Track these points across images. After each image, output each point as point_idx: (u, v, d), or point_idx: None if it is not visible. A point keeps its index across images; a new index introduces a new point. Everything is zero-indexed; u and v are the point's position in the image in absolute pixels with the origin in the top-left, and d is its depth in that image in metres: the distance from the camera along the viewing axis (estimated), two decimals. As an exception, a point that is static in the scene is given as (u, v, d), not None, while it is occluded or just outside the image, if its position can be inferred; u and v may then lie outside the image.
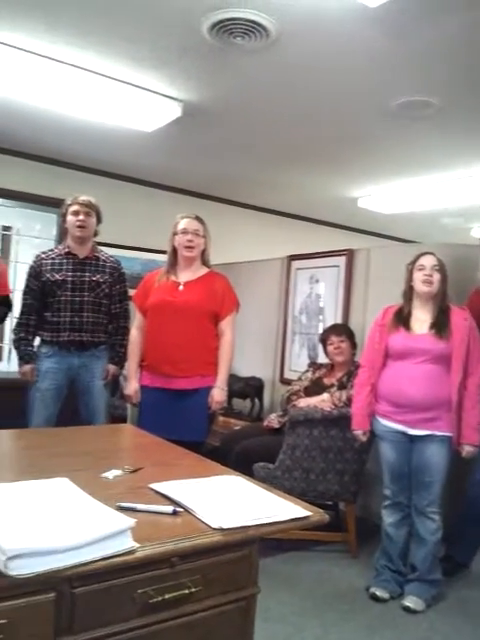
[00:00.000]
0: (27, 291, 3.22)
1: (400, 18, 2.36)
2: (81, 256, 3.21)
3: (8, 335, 3.63)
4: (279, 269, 4.47)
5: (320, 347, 3.60)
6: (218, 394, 2.93)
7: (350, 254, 3.87)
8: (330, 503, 3.34)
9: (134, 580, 1.10)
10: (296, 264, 4.32)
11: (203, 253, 3.04)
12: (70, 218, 3.16)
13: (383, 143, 3.94)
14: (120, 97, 3.26)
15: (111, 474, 1.50)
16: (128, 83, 3.16)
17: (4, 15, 2.54)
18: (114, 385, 3.70)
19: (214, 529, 1.16)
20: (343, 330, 3.45)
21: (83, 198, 3.17)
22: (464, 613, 2.59)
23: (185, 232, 2.95)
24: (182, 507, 1.26)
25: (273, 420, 3.39)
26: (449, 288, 2.67)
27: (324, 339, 3.46)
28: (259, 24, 2.47)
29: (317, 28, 2.50)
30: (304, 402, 3.24)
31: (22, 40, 2.74)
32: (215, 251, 3.15)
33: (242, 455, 3.10)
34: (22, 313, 3.24)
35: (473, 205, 5.37)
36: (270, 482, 2.79)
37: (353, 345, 3.40)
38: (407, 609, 2.55)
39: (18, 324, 3.25)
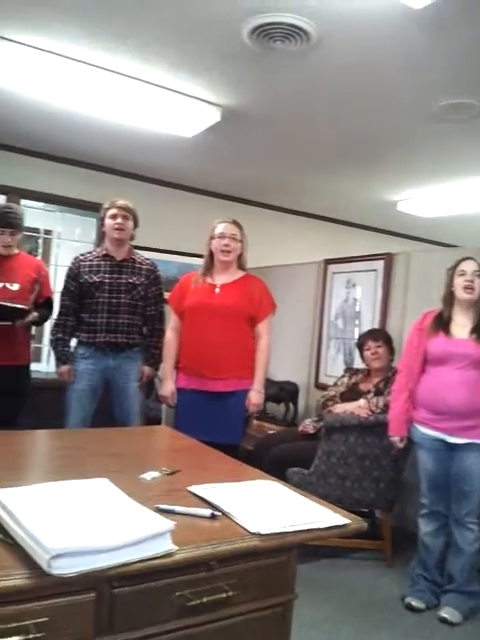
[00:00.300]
0: (65, 292, 3.28)
1: (444, 19, 2.32)
2: (118, 259, 3.25)
3: (48, 336, 3.71)
4: (315, 273, 4.44)
5: (356, 352, 3.57)
6: (255, 397, 2.94)
7: (389, 258, 3.82)
8: (365, 510, 3.30)
9: (172, 582, 1.11)
10: (332, 268, 4.29)
11: (240, 257, 3.06)
12: (108, 221, 3.21)
13: (425, 146, 3.88)
14: (159, 102, 3.29)
15: (149, 476, 1.51)
16: (167, 88, 3.18)
17: (45, 22, 2.59)
18: (149, 387, 3.73)
19: (252, 534, 1.16)
20: (380, 335, 3.41)
21: (121, 202, 3.22)
22: (503, 627, 2.53)
23: (222, 236, 2.97)
24: (220, 511, 1.26)
25: (308, 425, 3.37)
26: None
27: (361, 344, 3.43)
28: (299, 28, 2.46)
29: (358, 31, 2.48)
30: (340, 408, 3.21)
31: (62, 46, 2.79)
32: (251, 254, 3.15)
33: (276, 459, 3.09)
34: (60, 314, 3.30)
35: (517, 209, 5.24)
36: (304, 488, 2.76)
37: (391, 350, 3.35)
38: (443, 620, 2.50)
39: (55, 325, 3.31)
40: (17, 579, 0.93)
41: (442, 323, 2.63)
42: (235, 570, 1.18)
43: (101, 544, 0.98)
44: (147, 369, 3.32)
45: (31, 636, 0.96)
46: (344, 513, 1.32)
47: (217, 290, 2.98)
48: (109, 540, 0.99)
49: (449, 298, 2.65)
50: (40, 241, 5.23)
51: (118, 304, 3.20)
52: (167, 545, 1.05)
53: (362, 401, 3.19)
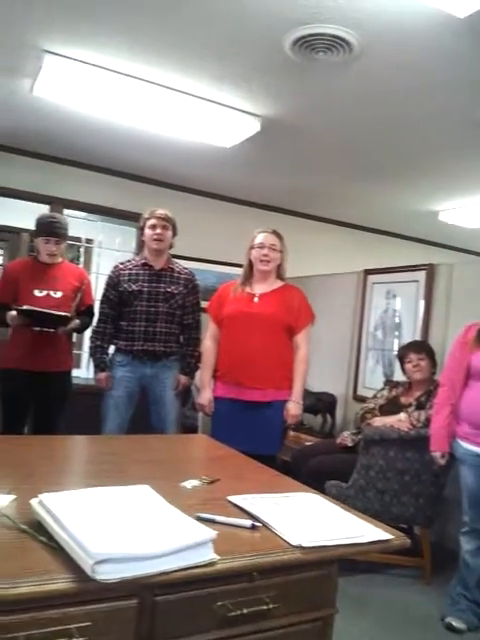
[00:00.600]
0: (104, 300, 3.33)
1: (489, 27, 2.29)
2: (157, 267, 3.29)
3: (88, 343, 3.77)
4: (354, 283, 4.40)
5: (396, 363, 3.51)
6: (294, 408, 2.92)
7: (431, 269, 3.76)
8: (405, 526, 3.23)
9: (213, 592, 1.10)
10: (372, 278, 4.25)
11: (279, 267, 3.05)
12: (147, 231, 3.25)
13: (468, 155, 3.82)
14: (199, 113, 3.33)
15: (189, 484, 1.52)
16: (208, 100, 3.21)
17: (90, 37, 2.65)
18: (185, 395, 3.75)
19: (293, 546, 1.15)
20: (422, 347, 3.35)
21: (160, 212, 3.25)
22: None
23: (262, 246, 2.97)
24: (260, 522, 1.25)
25: (346, 438, 3.32)
26: None
27: (402, 356, 3.37)
28: (342, 39, 2.46)
29: (401, 41, 2.46)
30: (379, 421, 3.16)
31: (106, 60, 2.85)
32: (290, 264, 3.14)
33: (314, 471, 3.06)
34: (99, 321, 3.35)
35: None
36: (342, 501, 2.72)
37: (433, 363, 3.29)
38: (486, 643, 2.43)
39: (94, 332, 3.36)
40: (61, 583, 0.94)
41: (486, 336, 2.57)
42: (276, 582, 1.17)
43: (144, 551, 0.98)
44: (183, 378, 3.33)
45: (74, 640, 0.96)
46: (386, 528, 1.30)
47: (256, 299, 2.98)
48: (152, 547, 0.99)
49: (494, 310, 2.59)
50: (82, 250, 5.34)
51: (156, 313, 3.23)
52: (209, 554, 1.05)
53: (403, 415, 3.12)
